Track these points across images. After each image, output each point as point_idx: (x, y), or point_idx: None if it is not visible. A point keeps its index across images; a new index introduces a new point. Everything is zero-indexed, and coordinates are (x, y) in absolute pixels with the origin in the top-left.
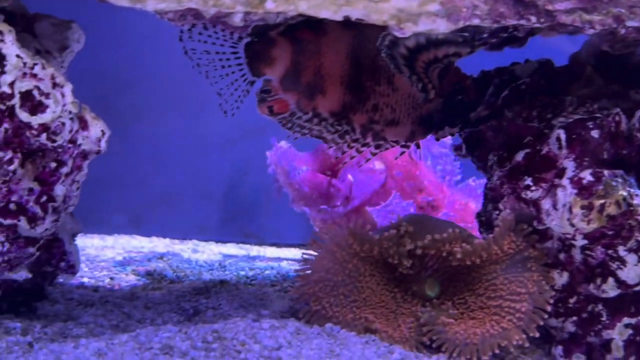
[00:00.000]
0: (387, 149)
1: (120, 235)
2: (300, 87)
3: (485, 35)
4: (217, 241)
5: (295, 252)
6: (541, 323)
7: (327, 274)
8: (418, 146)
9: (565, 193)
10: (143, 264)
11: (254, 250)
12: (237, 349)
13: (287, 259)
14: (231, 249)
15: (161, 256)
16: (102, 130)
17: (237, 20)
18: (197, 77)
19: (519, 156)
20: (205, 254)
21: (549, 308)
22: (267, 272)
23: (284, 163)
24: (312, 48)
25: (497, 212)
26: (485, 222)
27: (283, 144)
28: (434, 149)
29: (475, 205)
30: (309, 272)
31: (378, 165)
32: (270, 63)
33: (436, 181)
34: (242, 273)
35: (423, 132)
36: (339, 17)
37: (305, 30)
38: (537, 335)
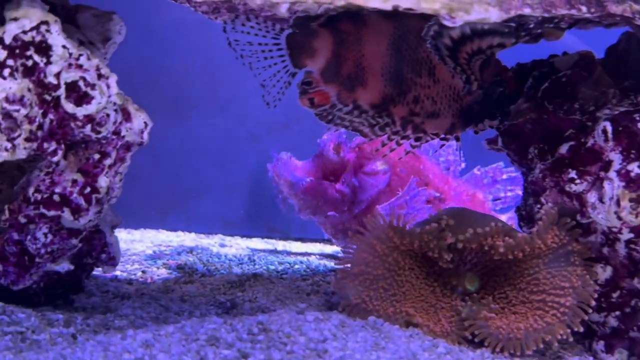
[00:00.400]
0: (427, 141)
1: (146, 230)
2: (341, 79)
3: (531, 25)
4: (242, 236)
5: (321, 247)
6: (586, 318)
7: (367, 267)
8: (458, 139)
9: (613, 186)
10: (173, 257)
11: (280, 244)
12: (283, 341)
13: (314, 254)
14: (257, 243)
15: (190, 250)
16: (144, 122)
17: (284, 11)
18: (224, 71)
19: (563, 149)
20: (233, 248)
21: (593, 302)
22: (296, 266)
23: (286, 174)
24: (353, 39)
25: (538, 205)
26: (526, 216)
27: (283, 155)
28: (434, 141)
29: (482, 196)
30: (348, 265)
31: (381, 165)
32: (311, 54)
33: (441, 173)
34: (272, 267)
35: (463, 124)
36: (388, 7)
37: (346, 21)
38: (582, 330)
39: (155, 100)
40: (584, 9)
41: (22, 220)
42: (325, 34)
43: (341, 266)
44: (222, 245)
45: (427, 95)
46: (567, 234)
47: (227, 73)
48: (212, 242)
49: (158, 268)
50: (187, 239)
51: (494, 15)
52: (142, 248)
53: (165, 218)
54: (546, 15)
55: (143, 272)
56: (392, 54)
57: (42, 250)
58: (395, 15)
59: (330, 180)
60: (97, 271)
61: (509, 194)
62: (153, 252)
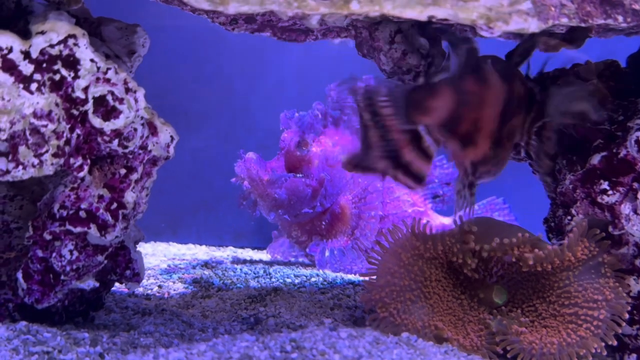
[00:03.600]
0: None
1: (157, 243)
2: (455, 137)
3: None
4: (253, 248)
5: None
6: (619, 331)
7: (393, 277)
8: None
9: None
10: (188, 271)
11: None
12: (317, 359)
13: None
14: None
15: (205, 263)
16: (171, 136)
17: (314, 22)
18: (234, 83)
19: (595, 159)
20: (247, 261)
21: (626, 315)
22: (313, 279)
23: (261, 173)
24: (475, 100)
25: (569, 217)
26: (555, 227)
27: (251, 154)
28: None
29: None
30: (374, 278)
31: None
32: (427, 113)
33: None
34: (289, 280)
35: None
36: (423, 17)
37: (471, 81)
38: (615, 343)
39: (165, 112)
40: (620, 18)
41: (47, 237)
42: (448, 93)
43: (367, 279)
44: (236, 258)
45: (503, 157)
46: (597, 246)
47: (237, 85)
48: (225, 255)
49: (174, 282)
50: (200, 251)
51: (533, 25)
52: (156, 262)
53: (176, 231)
54: (583, 25)
55: (159, 286)
56: (501, 118)
57: (68, 268)
58: (508, 77)
59: (296, 176)
60: (130, 286)
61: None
62: (168, 266)
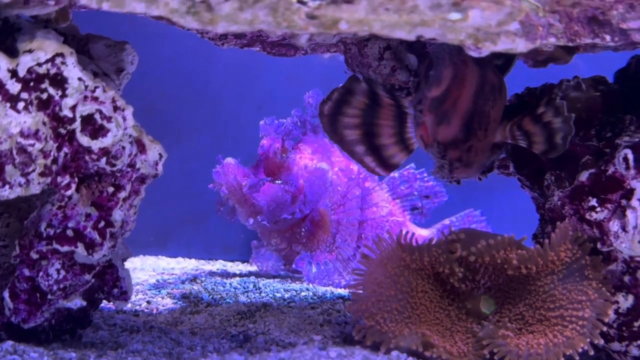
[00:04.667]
0: None
1: (146, 257)
2: (438, 112)
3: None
4: (243, 261)
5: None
6: (604, 328)
7: (380, 287)
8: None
9: (636, 215)
10: (177, 286)
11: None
12: None
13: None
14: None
15: (194, 278)
16: (159, 154)
17: (303, 41)
18: (225, 96)
19: (583, 176)
20: (236, 275)
21: (611, 313)
22: (302, 293)
23: (240, 179)
24: (461, 77)
25: None
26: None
27: (229, 160)
28: None
29: (399, 203)
30: (361, 288)
31: (324, 165)
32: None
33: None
34: (278, 295)
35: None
36: (412, 37)
37: (460, 56)
38: (602, 342)
39: (154, 125)
40: (608, 37)
41: (34, 256)
42: (450, 66)
43: (354, 290)
44: (225, 272)
45: (476, 148)
46: (579, 248)
47: (225, 98)
48: (215, 269)
49: (163, 298)
50: (189, 265)
51: (521, 45)
52: (145, 277)
53: (165, 244)
54: (571, 44)
55: (148, 302)
56: (473, 101)
57: (55, 287)
58: (481, 62)
59: (275, 182)
60: (117, 304)
61: (425, 203)
62: (157, 280)
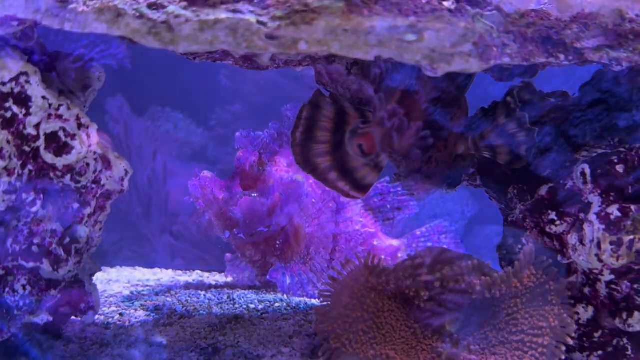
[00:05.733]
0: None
1: (122, 268)
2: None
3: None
4: (220, 271)
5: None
6: (562, 357)
7: (346, 309)
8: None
9: (593, 229)
10: (151, 298)
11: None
12: None
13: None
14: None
15: (168, 289)
16: (125, 170)
17: (266, 59)
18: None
19: (543, 190)
20: (211, 287)
21: (570, 342)
22: (276, 304)
23: (216, 192)
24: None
25: (519, 246)
26: (507, 255)
27: (206, 173)
28: None
29: (372, 214)
30: (327, 308)
31: (299, 178)
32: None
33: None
34: (252, 306)
35: (440, 186)
36: (370, 57)
37: None
38: None
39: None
40: (562, 57)
41: (0, 272)
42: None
43: (320, 310)
44: (201, 283)
45: (436, 159)
46: (544, 273)
47: (210, 108)
48: (191, 280)
49: (136, 310)
50: (165, 276)
51: (475, 65)
52: (119, 289)
53: (141, 255)
54: (525, 64)
55: (121, 314)
56: (428, 111)
57: (21, 303)
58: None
59: (251, 195)
60: (84, 319)
61: (396, 213)
62: (130, 292)
